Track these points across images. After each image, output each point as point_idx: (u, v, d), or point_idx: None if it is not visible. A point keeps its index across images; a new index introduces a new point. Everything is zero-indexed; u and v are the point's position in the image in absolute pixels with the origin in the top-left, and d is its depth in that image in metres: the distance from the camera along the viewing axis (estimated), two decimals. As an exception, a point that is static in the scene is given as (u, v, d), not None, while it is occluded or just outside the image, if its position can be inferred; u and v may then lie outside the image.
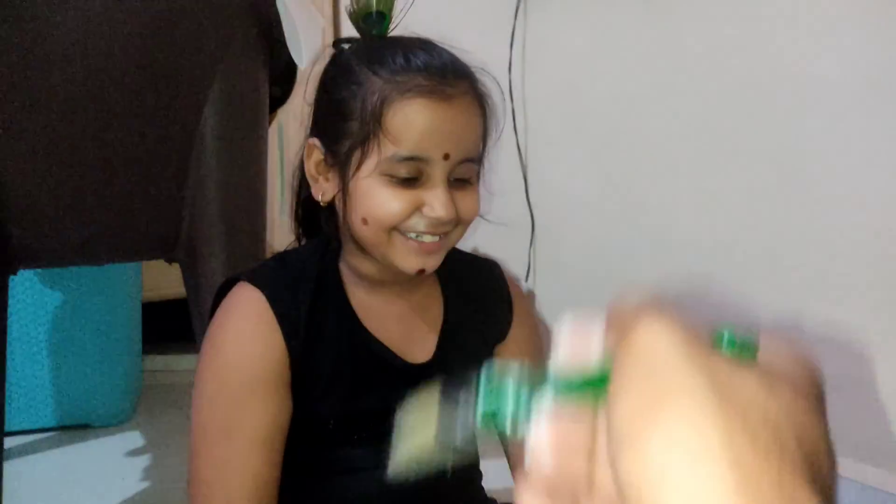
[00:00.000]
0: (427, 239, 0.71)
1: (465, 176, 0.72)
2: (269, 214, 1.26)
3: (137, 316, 1.83)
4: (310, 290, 0.75)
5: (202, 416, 0.72)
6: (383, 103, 0.68)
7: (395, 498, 0.75)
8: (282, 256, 0.80)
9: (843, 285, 1.20)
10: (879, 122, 1.13)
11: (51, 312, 1.64)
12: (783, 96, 1.25)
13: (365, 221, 0.71)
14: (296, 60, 1.13)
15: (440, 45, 0.74)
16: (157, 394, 1.94)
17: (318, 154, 0.75)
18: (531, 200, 1.70)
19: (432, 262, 0.73)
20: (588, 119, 1.63)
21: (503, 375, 0.31)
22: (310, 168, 0.76)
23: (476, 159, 0.73)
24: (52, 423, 1.68)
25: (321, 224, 0.81)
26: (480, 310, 0.85)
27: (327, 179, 0.75)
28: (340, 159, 0.72)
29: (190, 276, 1.17)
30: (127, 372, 1.74)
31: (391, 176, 0.69)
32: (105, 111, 1.03)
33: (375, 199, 0.69)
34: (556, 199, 1.70)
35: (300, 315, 0.74)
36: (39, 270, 1.61)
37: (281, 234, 1.03)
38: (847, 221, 1.19)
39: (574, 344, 0.30)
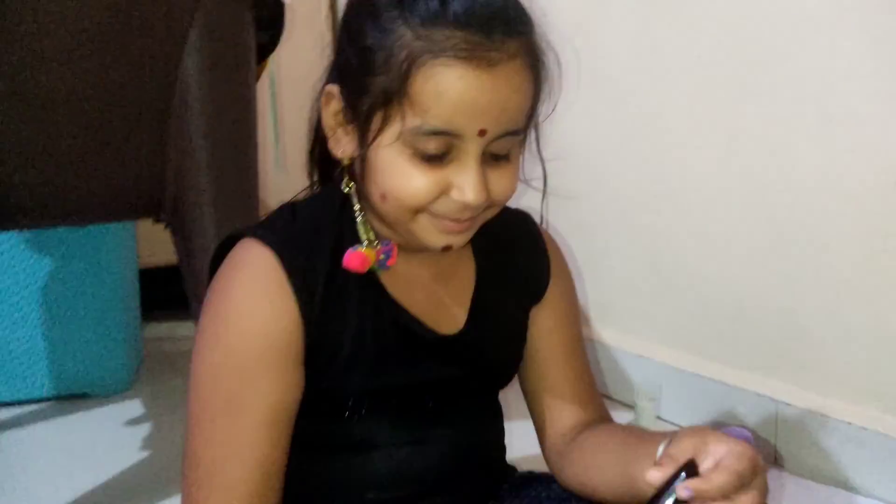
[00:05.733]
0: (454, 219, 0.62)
1: (503, 151, 0.61)
2: (261, 168, 1.19)
3: (134, 281, 1.77)
4: (327, 249, 0.65)
5: (203, 391, 0.64)
6: (411, 65, 0.57)
7: (410, 478, 0.68)
8: (292, 209, 0.68)
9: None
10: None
11: (40, 279, 1.58)
12: (803, 25, 1.18)
13: (384, 198, 0.61)
14: (281, -4, 1.05)
15: None
16: (158, 362, 1.87)
17: (336, 104, 0.63)
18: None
19: (460, 241, 0.64)
20: (600, 57, 1.54)
21: None
22: (327, 118, 0.64)
23: (520, 131, 0.62)
24: (48, 394, 1.62)
25: (335, 178, 0.69)
26: (514, 268, 0.76)
27: (347, 133, 0.64)
28: (360, 118, 0.61)
29: (179, 236, 1.11)
30: (125, 339, 1.69)
31: (416, 150, 0.59)
32: (77, 58, 0.95)
33: (396, 177, 0.60)
34: (569, 147, 1.61)
35: (317, 278, 0.63)
36: (25, 235, 1.54)
37: (276, 190, 0.96)
38: (868, 156, 1.13)
39: None
